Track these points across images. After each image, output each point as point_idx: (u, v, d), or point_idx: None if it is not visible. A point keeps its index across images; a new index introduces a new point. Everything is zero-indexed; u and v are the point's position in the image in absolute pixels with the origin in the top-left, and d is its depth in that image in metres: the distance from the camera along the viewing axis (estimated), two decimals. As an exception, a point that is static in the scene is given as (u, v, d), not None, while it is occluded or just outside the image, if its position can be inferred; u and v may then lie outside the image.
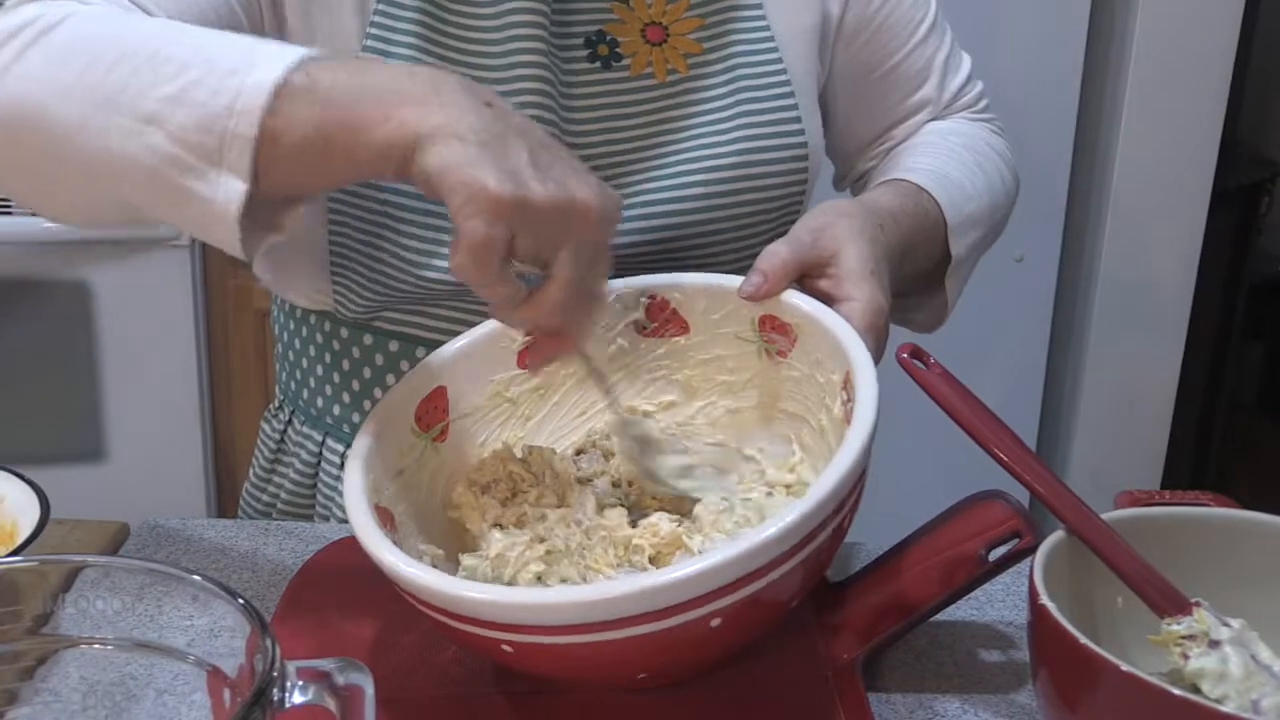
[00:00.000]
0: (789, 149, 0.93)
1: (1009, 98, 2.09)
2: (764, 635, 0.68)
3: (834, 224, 0.80)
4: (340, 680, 0.52)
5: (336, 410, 0.98)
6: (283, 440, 1.04)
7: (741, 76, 0.92)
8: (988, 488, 0.76)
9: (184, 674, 0.56)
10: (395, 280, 0.89)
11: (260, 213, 0.67)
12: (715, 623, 0.61)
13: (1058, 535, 0.69)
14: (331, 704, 0.52)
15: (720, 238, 0.92)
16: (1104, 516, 0.70)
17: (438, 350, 0.80)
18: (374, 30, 0.86)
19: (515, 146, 0.64)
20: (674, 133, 0.91)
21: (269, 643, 0.51)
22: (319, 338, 0.97)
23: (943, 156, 0.97)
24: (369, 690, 0.52)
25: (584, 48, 0.90)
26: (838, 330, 0.73)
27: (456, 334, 0.91)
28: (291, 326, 1.00)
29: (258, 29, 0.85)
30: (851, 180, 1.07)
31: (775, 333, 0.78)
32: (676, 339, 0.82)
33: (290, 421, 1.03)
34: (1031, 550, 0.69)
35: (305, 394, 1.01)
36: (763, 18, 0.93)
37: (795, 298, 0.76)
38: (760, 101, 0.92)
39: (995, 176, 1.00)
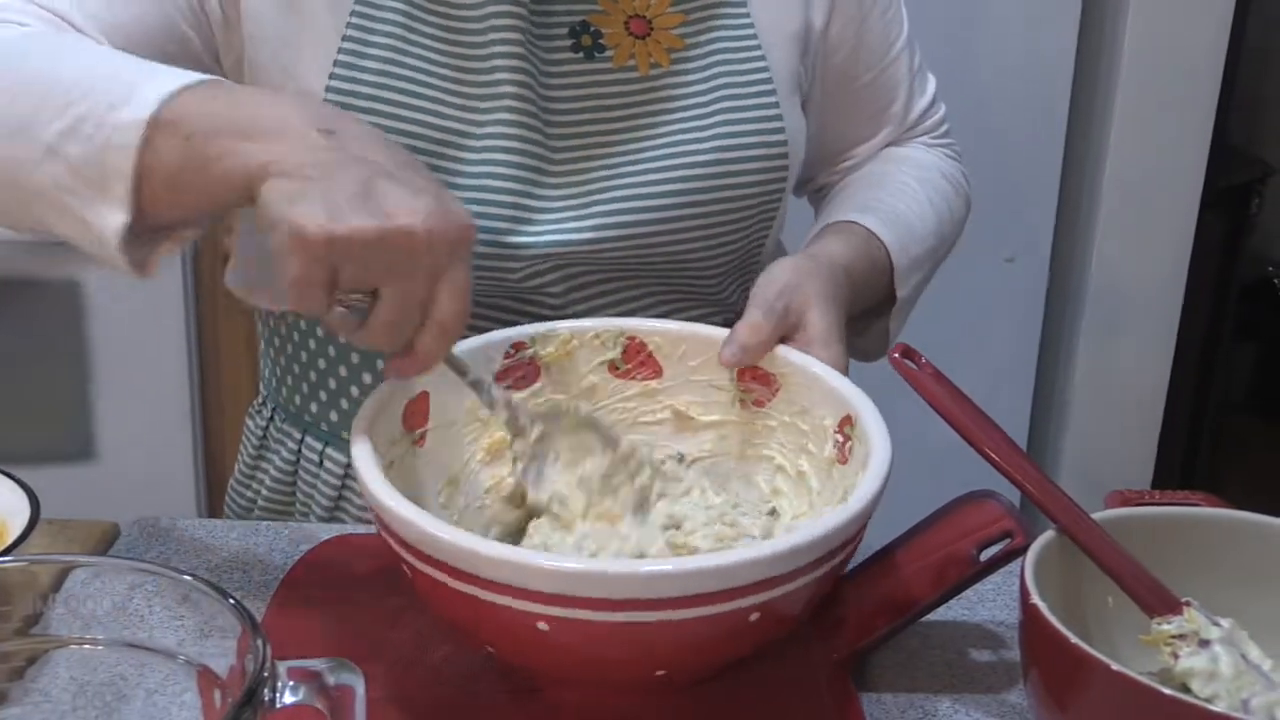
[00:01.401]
0: (768, 146, 0.93)
1: (1000, 98, 2.09)
2: (777, 640, 0.68)
3: (802, 286, 0.82)
4: (331, 680, 0.52)
5: (314, 408, 0.99)
6: (265, 436, 1.05)
7: (723, 73, 0.92)
8: (979, 488, 0.76)
9: (174, 674, 0.56)
10: None
11: (156, 235, 0.70)
12: (754, 617, 0.61)
13: (1048, 535, 0.69)
14: (322, 704, 0.51)
15: (697, 233, 0.93)
16: (1094, 516, 0.70)
17: None
18: (351, 30, 0.87)
19: (346, 178, 0.62)
20: (653, 126, 0.91)
21: (259, 643, 0.51)
22: (296, 335, 0.98)
23: (896, 193, 0.99)
24: (360, 690, 0.52)
25: (567, 37, 0.90)
26: (830, 378, 0.77)
27: None
28: (271, 323, 1.01)
29: (208, 43, 0.87)
30: (810, 191, 1.09)
31: (755, 383, 0.80)
32: (648, 382, 0.83)
33: (272, 418, 1.04)
34: (1022, 550, 0.69)
35: (285, 391, 1.02)
36: (746, 15, 0.94)
37: (779, 349, 0.80)
38: (740, 98, 0.92)
39: (944, 210, 1.02)
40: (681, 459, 0.82)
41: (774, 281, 0.83)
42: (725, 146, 0.92)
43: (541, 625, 0.60)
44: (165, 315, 2.04)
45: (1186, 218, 2.14)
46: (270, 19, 0.87)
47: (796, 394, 0.78)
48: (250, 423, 1.07)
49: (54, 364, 2.07)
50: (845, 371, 0.79)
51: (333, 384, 0.97)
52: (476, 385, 0.75)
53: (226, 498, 1.09)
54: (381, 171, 0.64)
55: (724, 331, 0.81)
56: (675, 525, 0.75)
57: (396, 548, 0.65)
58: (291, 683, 0.51)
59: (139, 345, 2.05)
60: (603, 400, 0.83)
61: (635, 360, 0.83)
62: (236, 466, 1.08)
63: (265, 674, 0.50)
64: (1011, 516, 0.73)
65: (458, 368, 0.74)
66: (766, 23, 0.94)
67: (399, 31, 0.87)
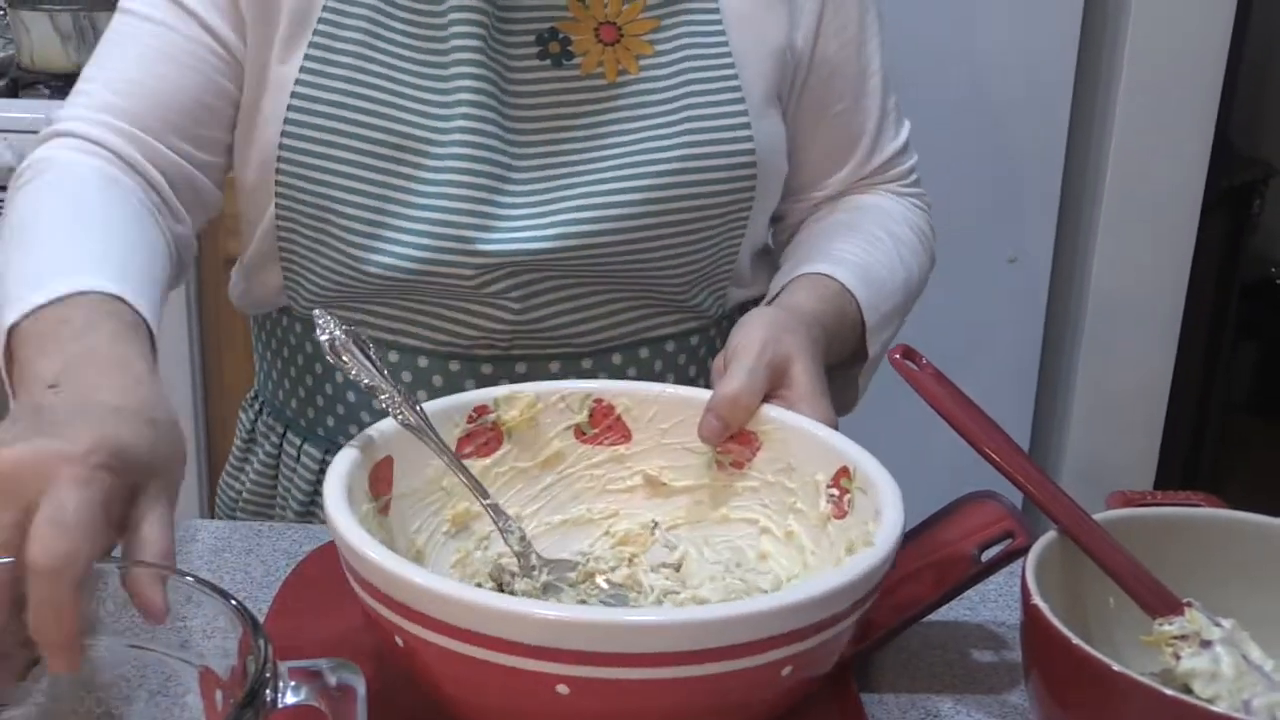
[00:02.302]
0: (733, 156, 0.91)
1: (1002, 99, 2.09)
2: (796, 703, 0.63)
3: (781, 340, 0.80)
4: (332, 680, 0.52)
5: (294, 404, 1.00)
6: (253, 430, 1.06)
7: (691, 80, 0.91)
8: (980, 488, 0.76)
9: (176, 675, 0.56)
10: (339, 273, 0.90)
11: None
12: (786, 670, 0.58)
13: (1050, 536, 0.69)
14: (323, 704, 0.52)
15: (658, 243, 0.91)
16: (1096, 517, 0.70)
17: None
18: (318, 36, 0.87)
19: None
20: (618, 134, 0.90)
21: (261, 643, 0.51)
22: (279, 331, 0.99)
23: (866, 246, 0.96)
24: (361, 690, 0.52)
25: (534, 45, 0.89)
26: (818, 432, 0.74)
27: (403, 334, 0.93)
28: (269, 324, 1.02)
29: (240, 62, 0.89)
30: (772, 220, 1.05)
31: (734, 443, 0.77)
32: (617, 447, 0.79)
33: (260, 412, 1.05)
34: (1024, 551, 0.69)
35: (270, 385, 1.03)
36: (719, 24, 0.92)
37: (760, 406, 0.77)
38: (708, 106, 0.91)
39: (913, 266, 1.00)
40: (655, 526, 0.79)
41: (752, 338, 0.79)
42: (688, 156, 0.90)
43: (561, 689, 0.55)
44: (167, 315, 2.03)
45: (1188, 218, 2.14)
46: (255, 41, 0.88)
47: (780, 451, 0.75)
48: (243, 415, 1.08)
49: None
50: (835, 427, 0.76)
51: (309, 382, 0.98)
52: (495, 511, 0.73)
53: (217, 490, 1.10)
54: (45, 422, 0.60)
55: (699, 394, 0.78)
56: (680, 583, 0.74)
57: (384, 611, 0.59)
58: (293, 683, 0.51)
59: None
60: (568, 467, 0.79)
61: (603, 424, 0.79)
62: (228, 459, 1.10)
63: (267, 674, 0.50)
64: (1012, 517, 0.73)
65: (477, 490, 0.72)
66: (743, 35, 0.92)
67: (366, 38, 0.87)
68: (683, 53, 0.91)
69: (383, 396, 0.69)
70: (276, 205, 0.90)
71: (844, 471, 0.71)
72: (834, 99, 0.99)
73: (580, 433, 0.79)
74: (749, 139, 0.92)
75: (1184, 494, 0.75)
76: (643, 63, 0.91)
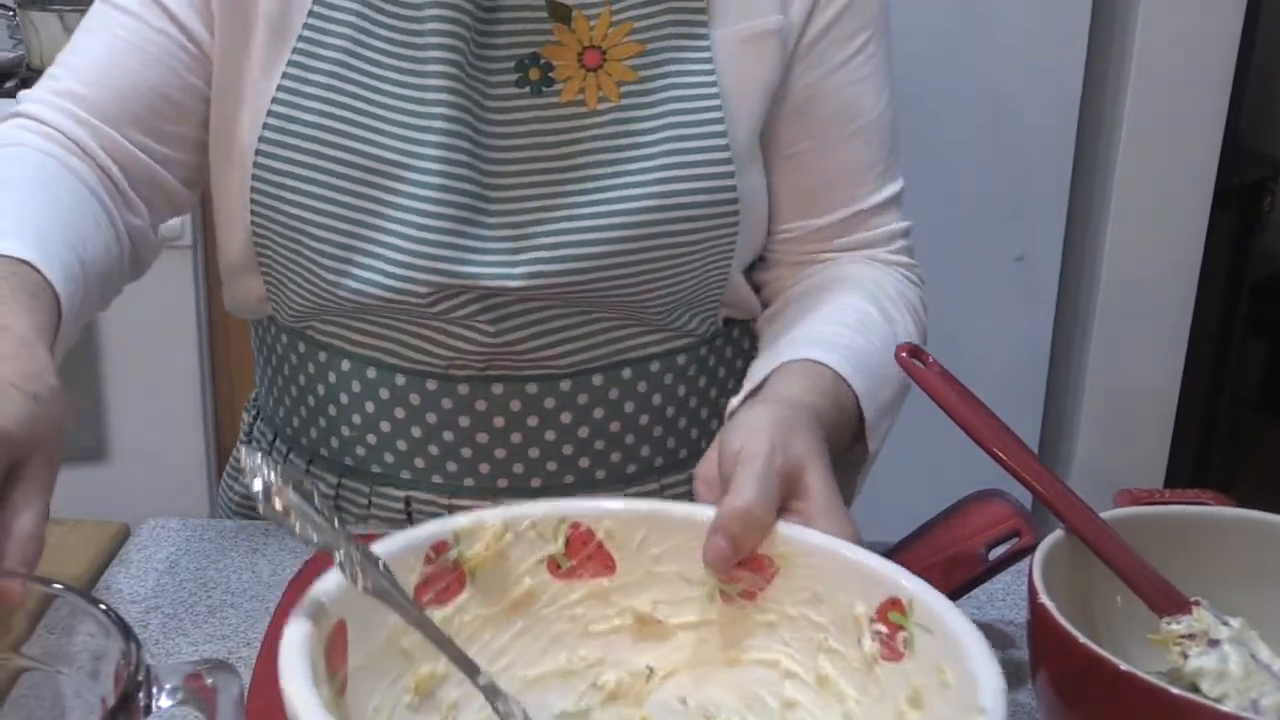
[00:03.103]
0: (714, 193, 0.87)
1: (1011, 97, 2.09)
2: None
3: (789, 443, 0.69)
4: (208, 681, 0.51)
5: (281, 412, 1.00)
6: (250, 431, 1.06)
7: (674, 111, 0.87)
8: (987, 487, 0.76)
9: (55, 687, 0.54)
10: (314, 291, 0.90)
11: None
12: None
13: (1057, 534, 0.69)
14: (201, 706, 0.51)
15: (634, 279, 0.88)
16: (1103, 515, 0.70)
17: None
18: (297, 55, 0.86)
19: None
20: (597, 165, 0.87)
21: (133, 647, 0.50)
22: (268, 339, 0.99)
23: (858, 326, 0.86)
24: (235, 691, 0.51)
25: (513, 72, 0.87)
26: (851, 554, 0.61)
27: (381, 351, 0.91)
28: (269, 338, 1.01)
29: (207, 52, 0.88)
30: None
31: (743, 570, 0.64)
32: (599, 579, 0.65)
33: (257, 416, 1.05)
34: (1031, 549, 0.69)
35: (262, 390, 1.03)
36: (708, 53, 0.88)
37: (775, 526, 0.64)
38: (690, 140, 0.87)
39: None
40: (651, 674, 0.65)
41: (758, 440, 0.68)
42: (667, 193, 0.86)
43: None
44: (177, 316, 2.04)
45: (1198, 216, 2.13)
46: (226, 44, 0.87)
47: (803, 579, 0.63)
48: (245, 416, 1.08)
49: (66, 365, 2.06)
50: (859, 543, 0.63)
51: (294, 391, 0.97)
52: (491, 692, 0.59)
53: (219, 489, 1.10)
54: None
55: (696, 511, 0.65)
56: None
57: None
58: (168, 685, 0.50)
59: (151, 345, 2.05)
60: (542, 608, 0.65)
61: (581, 554, 0.65)
62: (229, 459, 1.10)
63: (140, 678, 0.49)
64: (1019, 515, 0.73)
65: (466, 668, 0.59)
66: (732, 68, 0.88)
67: (346, 57, 0.86)
68: (668, 80, 0.87)
69: (338, 557, 0.56)
70: (252, 221, 0.89)
71: (894, 604, 0.59)
72: (800, 135, 0.92)
73: (555, 565, 0.65)
74: (730, 174, 0.87)
75: (1192, 492, 0.75)
76: (625, 89, 0.87)
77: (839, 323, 0.86)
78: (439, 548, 0.62)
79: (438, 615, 0.61)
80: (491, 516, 0.64)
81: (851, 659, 0.61)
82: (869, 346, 0.85)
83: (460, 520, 0.63)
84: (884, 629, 0.59)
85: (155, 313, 2.02)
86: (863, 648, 0.60)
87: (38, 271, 0.71)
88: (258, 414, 1.05)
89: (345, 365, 0.92)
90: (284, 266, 0.90)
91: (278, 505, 0.55)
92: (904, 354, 0.74)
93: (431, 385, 0.91)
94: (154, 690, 0.50)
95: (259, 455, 0.54)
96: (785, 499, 0.66)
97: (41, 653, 0.54)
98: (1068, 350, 2.25)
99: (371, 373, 0.92)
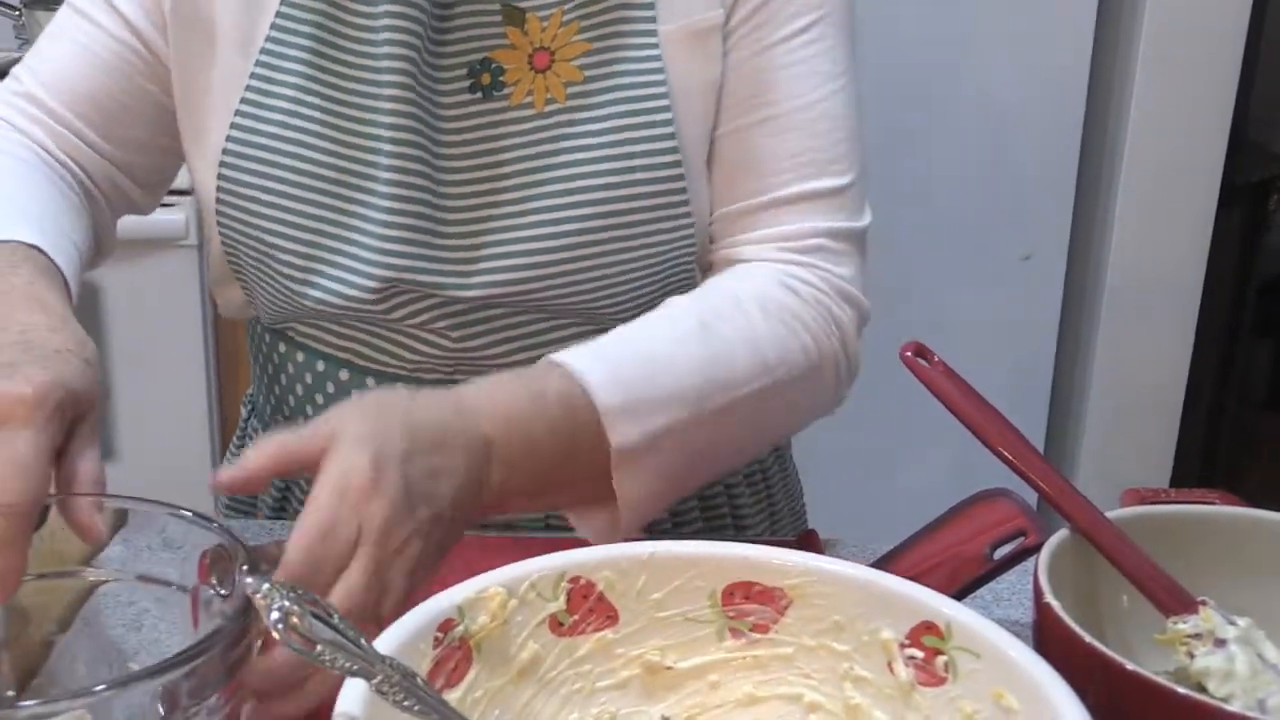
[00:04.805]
0: (664, 195, 0.86)
1: (1016, 95, 2.09)
2: None
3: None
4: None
5: (269, 409, 1.00)
6: (245, 427, 1.08)
7: (622, 112, 0.86)
8: (992, 486, 0.75)
9: (170, 600, 0.63)
10: (283, 300, 0.90)
11: None
12: None
13: (1063, 534, 0.69)
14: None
15: (595, 283, 0.87)
16: (1109, 515, 0.70)
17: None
18: (259, 68, 0.87)
19: None
20: (544, 169, 0.86)
21: (240, 549, 0.59)
22: (256, 338, 1.00)
23: (645, 322, 0.81)
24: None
25: (465, 77, 0.86)
26: (874, 578, 0.60)
27: (353, 354, 0.91)
28: (264, 346, 1.01)
29: (163, 59, 0.90)
30: None
31: (751, 603, 0.62)
32: (602, 632, 0.63)
33: (253, 410, 1.07)
34: (1036, 549, 0.69)
35: (254, 386, 1.05)
36: (655, 45, 0.86)
37: (781, 555, 0.62)
38: (638, 141, 0.85)
39: (736, 347, 0.80)
40: None
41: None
42: (614, 197, 0.85)
43: None
44: (183, 316, 2.05)
45: (1204, 214, 2.13)
46: (183, 54, 0.88)
47: (820, 608, 0.61)
48: (242, 410, 1.10)
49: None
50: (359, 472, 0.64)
51: (277, 390, 0.98)
52: None
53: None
54: None
55: (698, 549, 0.63)
56: None
57: None
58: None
59: (157, 345, 2.06)
60: (548, 671, 0.63)
61: (583, 608, 0.63)
62: (226, 453, 1.12)
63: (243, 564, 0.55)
64: (1025, 515, 0.73)
65: None
66: (678, 65, 0.86)
67: (305, 70, 0.86)
68: (615, 80, 0.86)
69: (376, 679, 0.53)
70: (220, 231, 0.90)
71: (928, 628, 0.58)
72: (723, 116, 0.88)
73: (557, 624, 0.63)
74: (680, 178, 0.86)
75: (1199, 492, 0.75)
76: (571, 90, 0.86)
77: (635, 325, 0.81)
78: (445, 626, 0.59)
79: (452, 698, 0.59)
80: (493, 582, 0.61)
81: (883, 685, 0.60)
82: (645, 337, 0.79)
83: (461, 592, 0.60)
84: (919, 653, 0.58)
85: (160, 312, 2.02)
86: (894, 674, 0.59)
87: (46, 256, 0.76)
88: (252, 409, 1.07)
89: (320, 366, 0.93)
90: (254, 275, 0.91)
91: (298, 633, 0.53)
92: (909, 353, 0.74)
93: (402, 389, 0.91)
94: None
95: (266, 583, 0.52)
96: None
97: (120, 564, 0.64)
98: (1074, 349, 2.25)
99: (344, 374, 0.93)
